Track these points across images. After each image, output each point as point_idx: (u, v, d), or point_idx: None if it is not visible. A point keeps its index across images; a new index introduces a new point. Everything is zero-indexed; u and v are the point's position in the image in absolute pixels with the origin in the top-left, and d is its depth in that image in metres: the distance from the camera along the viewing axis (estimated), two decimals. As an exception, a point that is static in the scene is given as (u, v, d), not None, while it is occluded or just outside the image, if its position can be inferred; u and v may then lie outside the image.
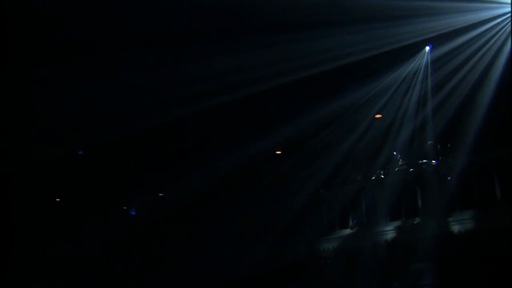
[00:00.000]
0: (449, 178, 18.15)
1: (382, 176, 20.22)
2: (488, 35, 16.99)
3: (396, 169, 19.89)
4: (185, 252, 20.24)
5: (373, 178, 20.34)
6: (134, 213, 26.15)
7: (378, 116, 21.64)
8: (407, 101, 20.57)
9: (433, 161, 19.04)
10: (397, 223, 18.94)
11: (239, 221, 20.83)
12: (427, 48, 19.59)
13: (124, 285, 20.84)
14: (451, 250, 16.90)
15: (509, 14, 15.98)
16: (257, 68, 17.92)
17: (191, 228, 20.87)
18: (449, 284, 16.11)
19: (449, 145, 18.77)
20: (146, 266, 20.29)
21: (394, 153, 20.37)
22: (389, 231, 18.98)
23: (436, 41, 18.00)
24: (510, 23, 16.26)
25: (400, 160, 19.99)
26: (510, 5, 15.97)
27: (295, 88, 19.42)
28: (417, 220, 18.37)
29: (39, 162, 20.96)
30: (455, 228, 17.51)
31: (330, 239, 20.26)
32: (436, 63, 19.10)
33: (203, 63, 17.60)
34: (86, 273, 20.45)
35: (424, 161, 19.18)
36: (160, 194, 26.63)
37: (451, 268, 16.39)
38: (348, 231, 20.07)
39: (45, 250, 20.36)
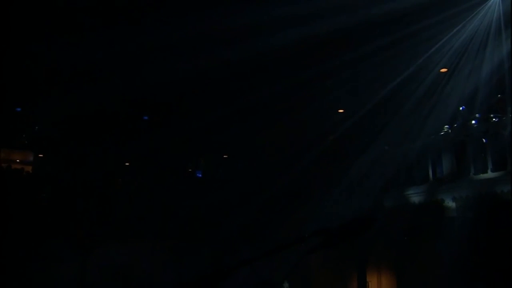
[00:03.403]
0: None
1: (448, 131, 19.69)
2: None
3: (463, 124, 19.31)
4: (256, 210, 20.53)
5: (439, 134, 19.84)
6: (200, 175, 26.75)
7: (443, 70, 21.02)
8: (474, 54, 19.84)
9: (503, 116, 18.34)
10: (464, 179, 18.43)
11: (309, 178, 20.96)
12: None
13: (197, 243, 21.41)
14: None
15: None
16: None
17: (261, 187, 21.05)
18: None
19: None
20: (217, 225, 20.69)
21: (461, 108, 19.76)
22: (456, 187, 18.51)
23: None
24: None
25: (467, 115, 19.38)
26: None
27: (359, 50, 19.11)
28: (486, 175, 17.82)
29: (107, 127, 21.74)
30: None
31: (397, 195, 20.06)
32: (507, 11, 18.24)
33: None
34: (161, 236, 21.10)
35: (493, 115, 18.51)
36: (224, 156, 27.10)
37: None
38: (415, 188, 19.76)
39: (118, 212, 21.16)
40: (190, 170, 27.34)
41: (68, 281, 20.72)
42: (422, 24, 18.45)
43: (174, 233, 21.08)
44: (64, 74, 20.65)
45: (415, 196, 19.60)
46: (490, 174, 17.62)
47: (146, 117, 26.17)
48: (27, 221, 19.29)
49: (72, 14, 18.15)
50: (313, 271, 21.10)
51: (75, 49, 18.53)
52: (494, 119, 18.32)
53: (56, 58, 19.09)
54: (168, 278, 19.84)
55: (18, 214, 19.19)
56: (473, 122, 18.91)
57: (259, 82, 19.92)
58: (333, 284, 21.89)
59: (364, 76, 19.86)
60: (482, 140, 18.14)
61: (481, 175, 17.82)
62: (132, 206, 21.63)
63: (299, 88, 20.08)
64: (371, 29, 18.01)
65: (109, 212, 20.79)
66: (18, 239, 18.73)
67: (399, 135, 20.71)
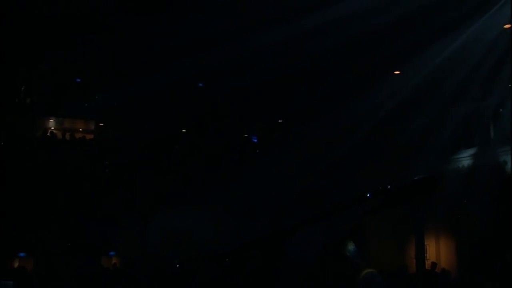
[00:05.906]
0: None
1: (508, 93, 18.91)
2: None
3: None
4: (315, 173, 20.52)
5: (498, 95, 19.10)
6: (256, 141, 26.86)
7: (507, 26, 20.07)
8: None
9: None
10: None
11: (370, 140, 20.72)
12: None
13: (255, 207, 21.64)
14: None
15: None
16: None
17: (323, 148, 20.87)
18: None
19: None
20: (275, 189, 20.82)
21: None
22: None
23: None
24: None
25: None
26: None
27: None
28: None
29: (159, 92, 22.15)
30: None
31: (454, 158, 19.57)
32: None
33: None
34: (219, 201, 21.42)
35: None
36: (279, 120, 27.07)
37: None
38: (472, 150, 19.19)
39: (177, 179, 21.62)
40: (246, 135, 27.49)
41: (131, 246, 21.57)
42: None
43: (231, 198, 21.35)
44: (123, 48, 21.12)
45: (468, 159, 19.02)
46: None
47: (201, 84, 26.43)
48: (90, 187, 20.04)
49: None
50: (371, 234, 21.03)
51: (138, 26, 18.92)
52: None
53: (119, 33, 19.55)
54: (226, 241, 20.26)
55: (82, 181, 19.96)
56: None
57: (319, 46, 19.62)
58: (390, 247, 21.77)
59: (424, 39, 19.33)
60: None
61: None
62: (190, 172, 22.01)
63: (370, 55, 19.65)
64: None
65: (168, 179, 21.27)
66: (82, 204, 19.52)
67: (459, 96, 20.06)
